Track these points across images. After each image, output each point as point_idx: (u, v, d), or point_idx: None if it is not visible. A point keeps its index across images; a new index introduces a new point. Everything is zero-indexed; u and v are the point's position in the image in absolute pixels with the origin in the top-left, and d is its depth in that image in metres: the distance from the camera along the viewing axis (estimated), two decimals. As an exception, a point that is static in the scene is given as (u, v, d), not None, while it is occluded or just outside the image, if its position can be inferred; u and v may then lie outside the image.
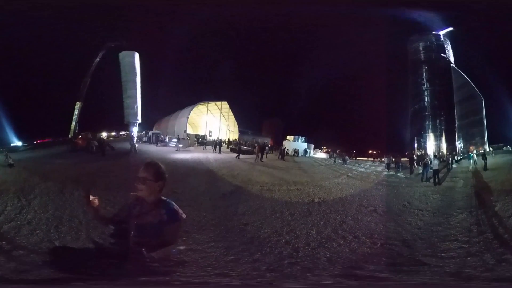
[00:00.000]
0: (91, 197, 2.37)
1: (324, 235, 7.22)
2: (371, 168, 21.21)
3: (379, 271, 4.93)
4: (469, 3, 18.14)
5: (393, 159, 20.14)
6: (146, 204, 2.37)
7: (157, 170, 2.41)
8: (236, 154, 21.28)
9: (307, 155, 27.81)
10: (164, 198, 2.45)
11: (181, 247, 2.62)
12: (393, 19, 22.84)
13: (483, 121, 24.17)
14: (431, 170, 14.72)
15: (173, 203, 2.43)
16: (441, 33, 29.30)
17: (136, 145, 20.69)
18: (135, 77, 20.98)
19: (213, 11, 21.68)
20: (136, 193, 2.38)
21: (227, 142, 29.06)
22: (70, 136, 21.24)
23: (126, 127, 21.75)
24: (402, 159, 21.26)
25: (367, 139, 32.11)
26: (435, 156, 21.01)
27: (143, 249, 2.06)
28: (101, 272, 2.11)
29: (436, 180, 14.18)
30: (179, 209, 2.41)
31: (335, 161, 23.87)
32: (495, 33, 21.11)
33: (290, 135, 31.72)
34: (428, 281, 4.37)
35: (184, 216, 2.40)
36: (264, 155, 21.73)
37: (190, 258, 5.00)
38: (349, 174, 17.48)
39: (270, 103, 37.97)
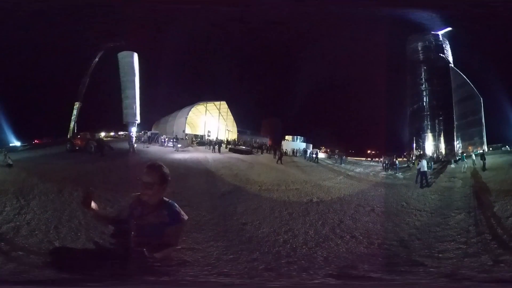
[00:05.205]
0: (93, 204, 2.35)
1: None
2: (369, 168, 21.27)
3: (374, 271, 4.96)
4: (468, 3, 18.19)
5: (393, 159, 20.21)
6: (148, 205, 2.35)
7: (161, 173, 2.37)
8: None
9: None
10: (166, 199, 2.43)
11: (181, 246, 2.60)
12: (392, 19, 22.88)
13: (481, 121, 24.16)
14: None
15: (175, 204, 2.42)
16: (440, 33, 29.31)
17: (135, 145, 20.69)
18: (134, 77, 20.98)
19: (212, 11, 21.68)
20: (137, 193, 2.39)
21: (225, 142, 29.07)
22: (68, 136, 21.18)
23: (125, 127, 21.76)
24: (399, 159, 21.36)
25: (365, 139, 32.20)
26: (421, 156, 21.10)
27: (145, 250, 2.06)
28: (103, 273, 2.12)
29: (424, 182, 13.67)
30: (181, 210, 2.40)
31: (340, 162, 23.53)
32: (494, 33, 21.17)
33: (288, 135, 31.74)
34: (422, 282, 4.40)
35: (186, 217, 2.38)
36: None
37: (191, 258, 5.02)
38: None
39: (268, 103, 37.99)
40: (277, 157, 21.14)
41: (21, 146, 20.34)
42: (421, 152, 27.36)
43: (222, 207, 9.28)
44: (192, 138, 28.85)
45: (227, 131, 33.30)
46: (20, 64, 21.40)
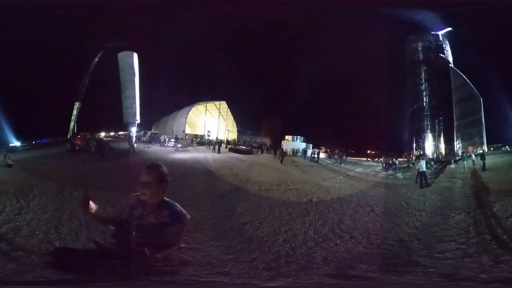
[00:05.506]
0: (92, 205, 2.34)
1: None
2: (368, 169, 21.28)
3: (373, 271, 4.96)
4: (468, 3, 18.19)
5: (393, 160, 20.23)
6: (149, 205, 2.34)
7: (160, 173, 2.36)
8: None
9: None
10: (167, 199, 2.41)
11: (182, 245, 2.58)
12: (392, 19, 22.91)
13: (481, 121, 24.18)
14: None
15: (177, 204, 2.39)
16: (440, 33, 29.29)
17: (135, 145, 20.72)
18: (134, 77, 21.01)
19: (211, 12, 21.70)
20: (138, 193, 2.38)
21: (225, 142, 29.11)
22: (68, 136, 21.20)
23: (125, 127, 21.81)
24: (399, 159, 21.40)
25: (365, 139, 32.23)
26: (420, 156, 21.12)
27: (146, 249, 2.05)
28: (104, 273, 2.11)
29: (423, 182, 13.74)
30: (183, 210, 2.37)
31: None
32: (493, 33, 21.19)
33: (288, 135, 31.74)
34: (421, 282, 4.40)
35: (188, 217, 2.35)
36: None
37: (191, 258, 5.02)
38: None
39: (268, 103, 38.03)
40: (277, 157, 21.17)
41: (21, 146, 20.36)
42: (421, 152, 27.36)
43: (222, 207, 9.28)
44: (192, 138, 28.89)
45: (227, 131, 33.32)
46: (20, 64, 21.43)
